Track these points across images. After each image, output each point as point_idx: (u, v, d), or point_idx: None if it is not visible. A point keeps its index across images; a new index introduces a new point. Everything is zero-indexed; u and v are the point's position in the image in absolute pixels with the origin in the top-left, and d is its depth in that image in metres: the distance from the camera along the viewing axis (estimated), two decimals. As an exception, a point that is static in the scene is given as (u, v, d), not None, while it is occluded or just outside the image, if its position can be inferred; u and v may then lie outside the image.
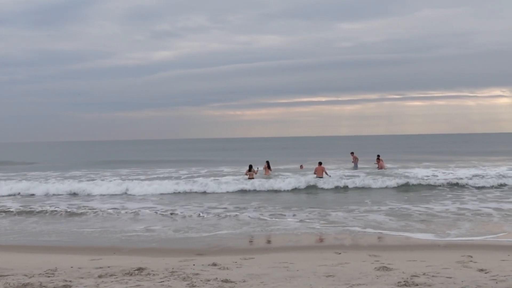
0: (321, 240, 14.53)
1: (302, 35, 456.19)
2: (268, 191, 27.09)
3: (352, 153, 40.64)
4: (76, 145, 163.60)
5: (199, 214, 19.42)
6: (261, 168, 33.16)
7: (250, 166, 31.71)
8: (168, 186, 27.82)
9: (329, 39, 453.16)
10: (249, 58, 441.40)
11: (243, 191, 26.86)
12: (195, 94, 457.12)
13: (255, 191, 27.06)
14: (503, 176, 29.13)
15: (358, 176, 30.40)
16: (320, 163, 31.47)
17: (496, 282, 8.06)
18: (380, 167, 35.84)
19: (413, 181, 28.28)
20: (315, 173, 30.69)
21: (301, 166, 40.28)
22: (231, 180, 29.59)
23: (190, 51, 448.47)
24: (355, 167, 37.83)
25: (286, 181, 28.42)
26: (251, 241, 14.62)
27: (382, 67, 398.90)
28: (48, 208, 21.60)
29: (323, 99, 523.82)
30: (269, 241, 14.69)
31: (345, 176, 30.90)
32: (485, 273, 8.98)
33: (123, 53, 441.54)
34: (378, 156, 38.07)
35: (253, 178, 30.62)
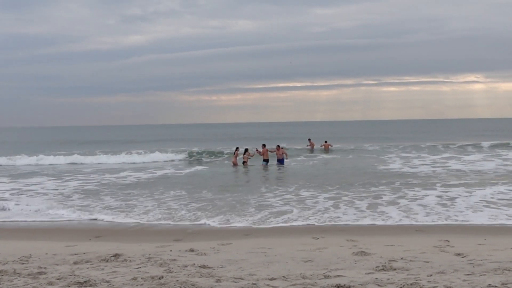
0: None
1: (275, 20, 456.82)
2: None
3: (309, 139, 46.27)
4: (47, 131, 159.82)
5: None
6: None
7: (246, 150, 32.16)
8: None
9: (302, 24, 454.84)
10: (222, 43, 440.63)
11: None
12: (169, 79, 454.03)
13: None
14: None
15: None
16: (264, 145, 32.39)
17: (473, 266, 8.10)
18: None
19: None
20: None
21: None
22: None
23: (162, 35, 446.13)
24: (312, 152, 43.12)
25: None
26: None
27: (357, 53, 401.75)
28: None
29: (299, 84, 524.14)
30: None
31: None
32: (462, 257, 9.04)
33: (94, 37, 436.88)
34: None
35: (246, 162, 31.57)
